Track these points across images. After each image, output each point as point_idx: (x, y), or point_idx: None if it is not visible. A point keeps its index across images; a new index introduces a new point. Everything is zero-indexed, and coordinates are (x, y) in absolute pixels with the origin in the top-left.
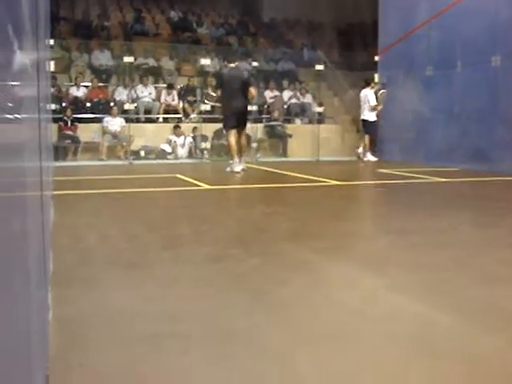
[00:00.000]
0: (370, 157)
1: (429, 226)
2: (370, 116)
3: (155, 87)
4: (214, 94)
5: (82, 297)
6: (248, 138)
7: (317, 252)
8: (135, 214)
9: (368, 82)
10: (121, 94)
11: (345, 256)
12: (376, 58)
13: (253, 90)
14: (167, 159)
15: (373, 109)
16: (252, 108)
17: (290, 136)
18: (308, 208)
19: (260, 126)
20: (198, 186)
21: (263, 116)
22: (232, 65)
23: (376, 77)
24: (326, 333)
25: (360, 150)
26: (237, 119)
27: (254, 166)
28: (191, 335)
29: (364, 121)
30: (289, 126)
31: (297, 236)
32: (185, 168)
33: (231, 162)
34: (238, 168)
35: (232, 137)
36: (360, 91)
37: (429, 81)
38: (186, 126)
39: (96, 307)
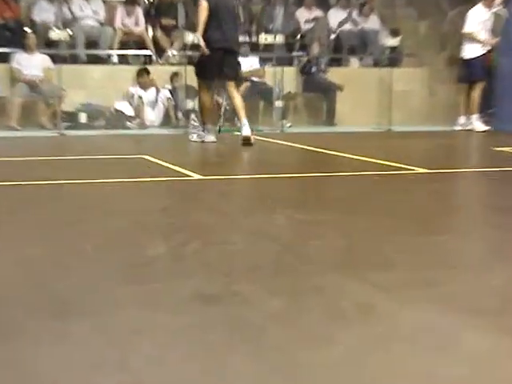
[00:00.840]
0: (477, 124)
1: None
2: (471, 51)
3: (105, 1)
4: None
5: None
6: (266, 91)
7: (381, 289)
8: (74, 223)
9: None
10: (43, 11)
11: (427, 296)
12: None
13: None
14: (127, 128)
15: (475, 40)
16: (274, 40)
17: (341, 89)
18: (369, 214)
19: (289, 70)
20: (182, 175)
21: (294, 54)
22: None
23: None
24: None
25: (462, 118)
26: (223, 61)
27: (279, 141)
28: None
29: (462, 60)
30: (339, 70)
31: (349, 262)
32: (157, 143)
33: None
34: (211, 137)
35: (206, 90)
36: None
37: None
38: (159, 71)
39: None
